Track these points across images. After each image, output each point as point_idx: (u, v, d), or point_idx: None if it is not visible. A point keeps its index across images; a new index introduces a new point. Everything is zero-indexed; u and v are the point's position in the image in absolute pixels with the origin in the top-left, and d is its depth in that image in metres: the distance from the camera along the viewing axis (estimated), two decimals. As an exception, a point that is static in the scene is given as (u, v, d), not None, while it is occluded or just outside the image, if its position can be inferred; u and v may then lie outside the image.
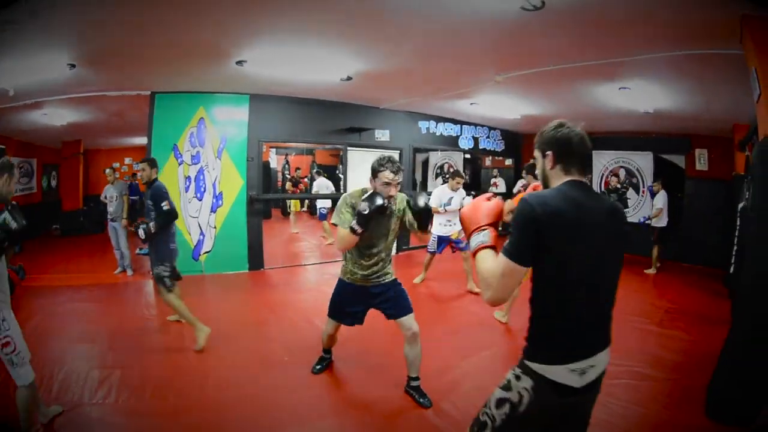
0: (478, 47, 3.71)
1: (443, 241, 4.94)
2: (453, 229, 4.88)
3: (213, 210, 5.61)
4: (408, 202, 2.45)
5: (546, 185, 1.34)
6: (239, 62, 4.13)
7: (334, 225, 2.44)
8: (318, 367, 3.02)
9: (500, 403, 1.30)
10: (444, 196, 4.82)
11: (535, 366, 1.25)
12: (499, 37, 3.39)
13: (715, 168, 6.83)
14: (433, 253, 5.09)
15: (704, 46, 3.20)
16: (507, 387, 1.30)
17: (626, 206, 7.83)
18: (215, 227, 5.62)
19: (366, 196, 2.31)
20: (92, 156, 9.76)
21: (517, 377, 1.28)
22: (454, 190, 4.83)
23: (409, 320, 2.56)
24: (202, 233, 5.57)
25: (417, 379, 2.69)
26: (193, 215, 5.54)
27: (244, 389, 2.75)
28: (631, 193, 7.83)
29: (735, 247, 4.20)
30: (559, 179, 1.29)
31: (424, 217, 2.42)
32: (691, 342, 3.79)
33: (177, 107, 5.45)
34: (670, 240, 6.51)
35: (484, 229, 1.32)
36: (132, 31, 3.25)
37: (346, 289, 2.63)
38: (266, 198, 7.14)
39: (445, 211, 4.78)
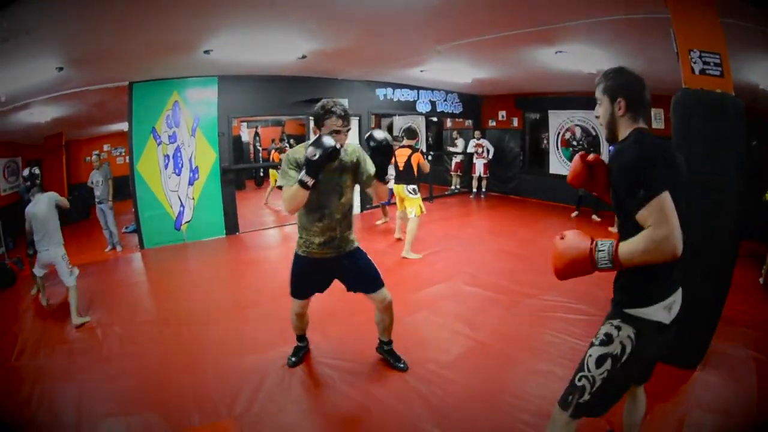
0: (415, 24, 4.10)
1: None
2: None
3: (190, 183, 6.08)
4: (363, 153, 2.18)
5: (614, 132, 1.38)
6: (206, 51, 4.60)
7: (280, 188, 2.12)
8: (293, 359, 2.65)
9: (600, 360, 1.27)
10: None
11: (635, 312, 1.26)
12: (433, 13, 3.71)
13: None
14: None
15: (639, 11, 3.41)
16: (606, 342, 1.28)
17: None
18: (193, 199, 6.11)
19: (312, 140, 1.96)
20: (72, 147, 9.96)
21: (618, 328, 1.27)
22: None
23: (381, 294, 2.32)
24: (182, 205, 6.06)
25: (390, 342, 2.55)
26: (173, 189, 6.01)
27: (219, 323, 3.38)
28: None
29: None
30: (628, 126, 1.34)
31: (383, 155, 2.09)
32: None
33: (153, 94, 5.83)
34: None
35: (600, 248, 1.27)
36: (112, 35, 3.65)
37: (305, 264, 2.30)
38: (237, 168, 7.62)
39: None
